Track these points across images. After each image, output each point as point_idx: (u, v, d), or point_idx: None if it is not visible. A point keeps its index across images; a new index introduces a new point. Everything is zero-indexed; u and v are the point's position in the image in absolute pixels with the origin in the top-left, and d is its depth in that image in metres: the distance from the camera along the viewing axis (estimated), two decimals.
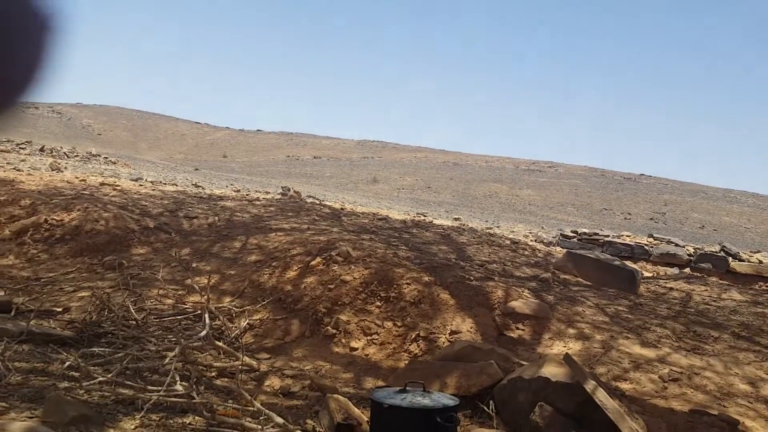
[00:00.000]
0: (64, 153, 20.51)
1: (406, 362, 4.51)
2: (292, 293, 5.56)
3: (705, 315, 5.61)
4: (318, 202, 11.19)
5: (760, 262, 8.45)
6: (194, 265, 6.18)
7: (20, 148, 18.99)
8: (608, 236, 10.07)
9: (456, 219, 14.70)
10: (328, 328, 5.10)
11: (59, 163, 15.08)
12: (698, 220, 29.17)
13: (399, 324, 4.98)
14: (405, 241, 7.21)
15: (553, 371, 3.37)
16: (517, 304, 5.09)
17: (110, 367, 3.50)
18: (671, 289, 6.85)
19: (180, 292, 5.60)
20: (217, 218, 7.65)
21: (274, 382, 4.13)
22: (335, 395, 3.59)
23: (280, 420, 3.12)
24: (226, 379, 4.01)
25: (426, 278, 5.44)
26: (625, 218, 28.37)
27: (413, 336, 4.83)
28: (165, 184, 13.13)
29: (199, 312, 4.99)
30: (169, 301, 5.40)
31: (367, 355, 4.79)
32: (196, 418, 3.10)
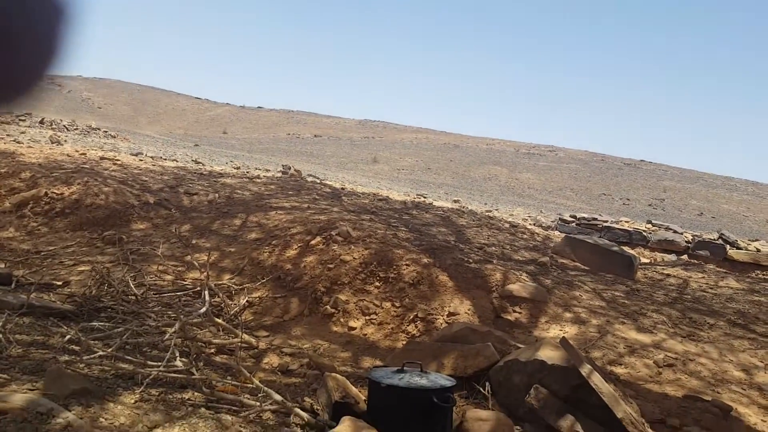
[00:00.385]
0: (64, 126, 20.43)
1: (404, 342, 4.54)
2: (291, 272, 5.59)
3: (701, 302, 5.64)
4: (319, 181, 11.19)
5: (758, 250, 8.48)
6: (194, 241, 6.20)
7: (20, 120, 18.91)
8: (607, 222, 10.08)
9: (455, 201, 14.71)
10: (327, 307, 5.13)
11: (59, 136, 15.02)
12: (697, 207, 29.19)
13: (397, 304, 5.00)
14: (405, 222, 7.22)
15: (549, 354, 3.40)
16: (514, 287, 5.11)
17: (110, 342, 3.52)
18: (668, 275, 6.89)
19: (179, 269, 5.62)
20: (217, 195, 7.65)
21: (272, 360, 4.16)
22: (333, 374, 3.62)
23: (278, 397, 3.15)
24: (225, 356, 4.04)
25: (425, 260, 5.46)
26: (624, 204, 28.37)
27: (411, 317, 4.86)
28: (165, 159, 13.09)
29: (198, 288, 5.01)
30: (169, 277, 5.42)
31: (366, 334, 4.83)
32: (195, 393, 3.13)
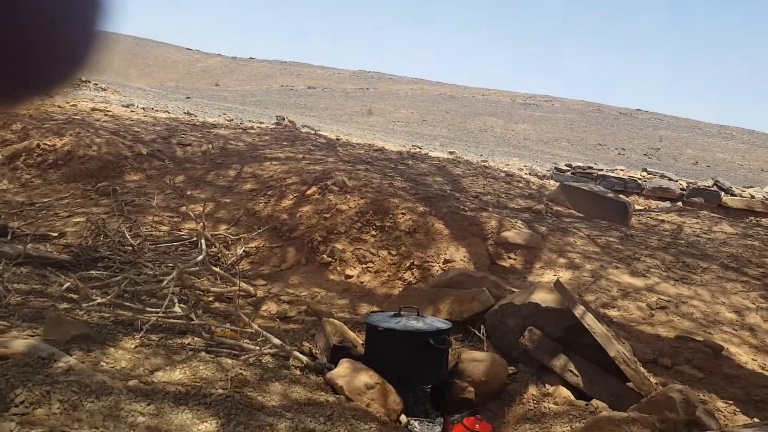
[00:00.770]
0: None
1: (401, 289, 4.59)
2: (287, 222, 5.60)
3: (695, 246, 5.69)
4: (313, 132, 11.09)
5: (753, 197, 8.51)
6: (189, 192, 6.18)
7: None
8: (602, 170, 10.07)
9: (451, 153, 14.62)
10: (324, 256, 5.16)
11: None
12: (692, 156, 29.14)
13: (394, 253, 5.03)
14: (400, 172, 7.20)
15: (543, 297, 3.44)
16: (509, 234, 5.14)
17: (108, 290, 3.54)
18: (663, 221, 6.93)
19: (175, 219, 5.62)
20: (210, 146, 7.59)
21: (270, 307, 4.21)
22: (331, 319, 3.67)
23: (277, 341, 3.19)
24: (223, 304, 4.08)
25: (421, 208, 5.46)
26: (619, 153, 28.29)
27: (407, 264, 4.90)
28: (157, 111, 12.92)
29: (194, 239, 5.02)
30: (165, 228, 5.42)
31: (362, 282, 4.87)
32: (195, 338, 3.17)
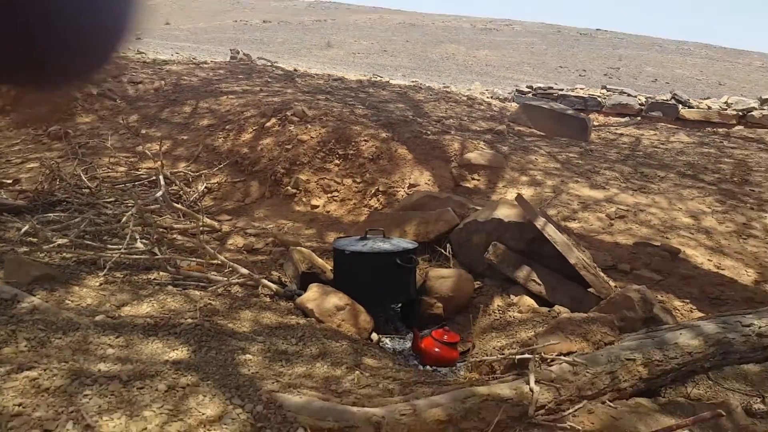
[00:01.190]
0: None
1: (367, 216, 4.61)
2: (248, 155, 5.51)
3: (653, 157, 5.81)
4: (270, 63, 10.79)
5: (709, 108, 8.65)
6: (143, 131, 6.01)
7: None
8: (562, 90, 10.07)
9: (413, 82, 14.43)
10: (288, 188, 5.12)
11: None
12: (651, 74, 29.30)
13: (358, 180, 5.03)
14: (361, 100, 7.10)
15: (505, 213, 3.49)
16: (472, 156, 5.16)
17: (68, 232, 3.47)
18: (621, 135, 7.03)
19: (132, 160, 5.48)
20: (163, 82, 7.34)
21: (237, 241, 4.18)
22: (299, 247, 3.68)
23: (244, 270, 3.19)
24: (188, 240, 4.04)
25: (383, 134, 5.42)
26: (580, 75, 28.28)
27: (373, 191, 4.90)
28: None
29: (153, 178, 4.92)
30: (122, 169, 5.30)
31: (329, 211, 4.87)
32: (161, 273, 3.16)
